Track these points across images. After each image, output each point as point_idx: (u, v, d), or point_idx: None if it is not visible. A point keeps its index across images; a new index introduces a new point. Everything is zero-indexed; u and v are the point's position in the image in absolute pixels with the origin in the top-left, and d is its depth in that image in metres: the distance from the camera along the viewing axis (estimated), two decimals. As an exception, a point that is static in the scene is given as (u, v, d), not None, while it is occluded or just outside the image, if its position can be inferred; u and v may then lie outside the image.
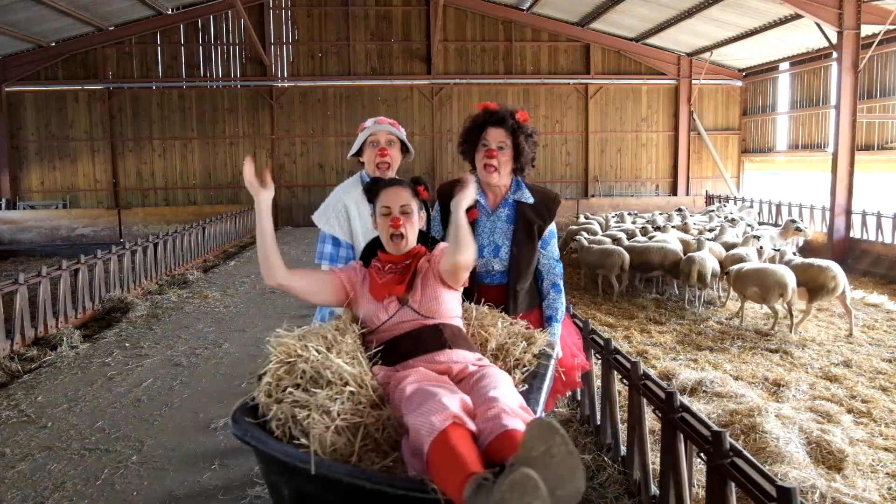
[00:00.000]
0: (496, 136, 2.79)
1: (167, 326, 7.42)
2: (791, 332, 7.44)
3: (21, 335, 6.63)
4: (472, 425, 1.77)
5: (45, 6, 15.73)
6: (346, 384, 1.95)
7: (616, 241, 10.40)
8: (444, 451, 1.66)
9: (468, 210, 2.37)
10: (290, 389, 1.95)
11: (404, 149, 3.03)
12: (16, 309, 6.58)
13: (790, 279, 7.33)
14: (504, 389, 1.94)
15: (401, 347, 2.21)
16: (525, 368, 2.36)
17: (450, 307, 2.36)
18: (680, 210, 14.35)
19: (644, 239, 10.54)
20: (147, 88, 19.79)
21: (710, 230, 11.61)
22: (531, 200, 2.91)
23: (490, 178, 2.82)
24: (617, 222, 13.65)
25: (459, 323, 2.40)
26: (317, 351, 2.04)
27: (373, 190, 2.54)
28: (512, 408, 1.82)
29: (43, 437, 4.38)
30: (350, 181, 3.07)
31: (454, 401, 1.80)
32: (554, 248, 2.98)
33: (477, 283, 2.81)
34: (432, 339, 2.21)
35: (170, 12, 19.26)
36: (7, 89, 19.10)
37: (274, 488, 2.02)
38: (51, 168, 19.76)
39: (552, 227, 2.97)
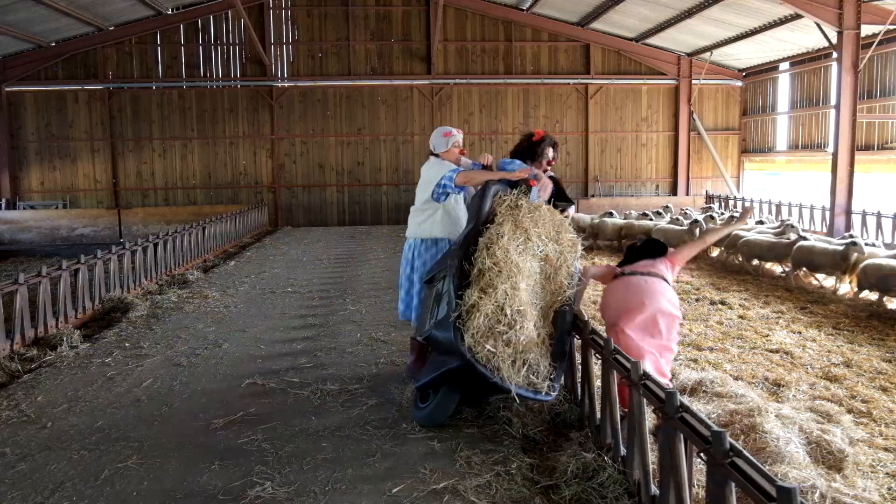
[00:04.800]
0: (551, 152, 5.29)
1: (167, 326, 7.42)
2: None
3: (21, 335, 6.62)
4: None
5: (45, 6, 15.74)
6: None
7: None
8: None
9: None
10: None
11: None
12: (16, 309, 6.57)
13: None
14: None
15: None
16: None
17: None
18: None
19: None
20: (147, 88, 19.81)
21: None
22: (556, 177, 5.35)
23: (547, 172, 5.19)
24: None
25: None
26: None
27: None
28: None
29: (43, 437, 4.37)
30: (436, 160, 5.49)
31: None
32: None
33: None
34: None
35: (170, 12, 19.27)
36: (7, 89, 19.11)
37: None
38: (51, 168, 19.77)
39: None
